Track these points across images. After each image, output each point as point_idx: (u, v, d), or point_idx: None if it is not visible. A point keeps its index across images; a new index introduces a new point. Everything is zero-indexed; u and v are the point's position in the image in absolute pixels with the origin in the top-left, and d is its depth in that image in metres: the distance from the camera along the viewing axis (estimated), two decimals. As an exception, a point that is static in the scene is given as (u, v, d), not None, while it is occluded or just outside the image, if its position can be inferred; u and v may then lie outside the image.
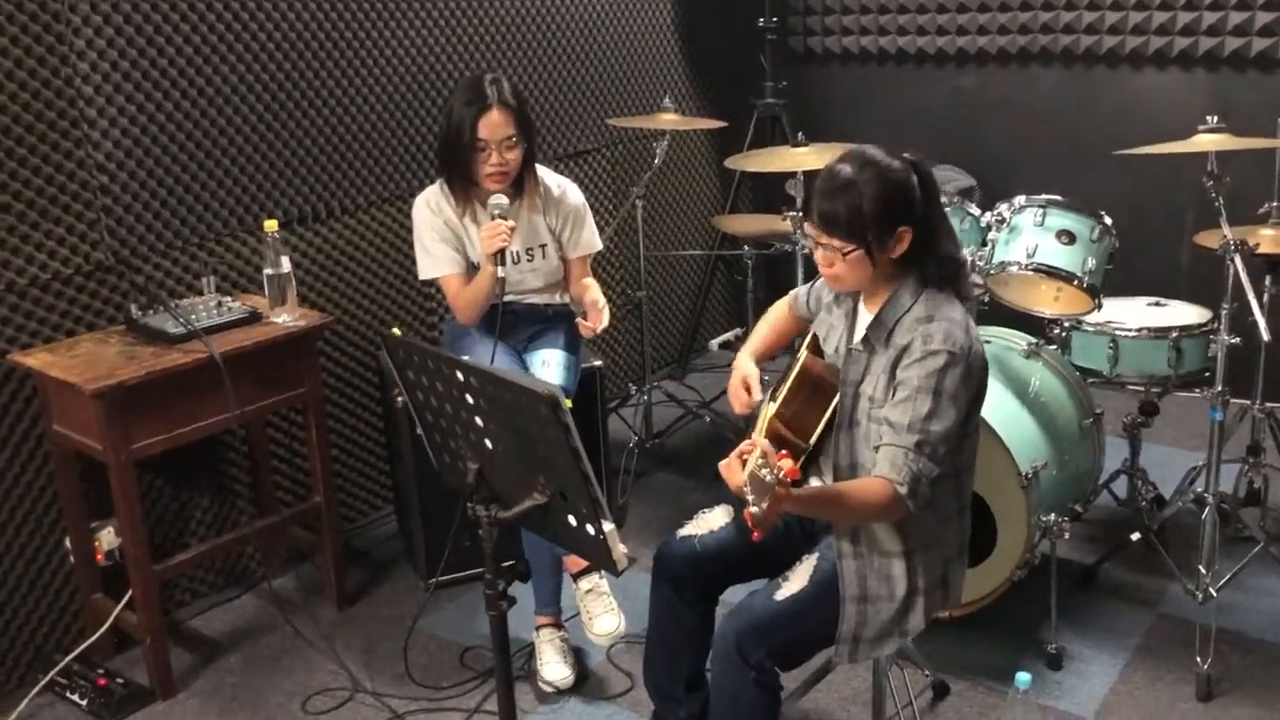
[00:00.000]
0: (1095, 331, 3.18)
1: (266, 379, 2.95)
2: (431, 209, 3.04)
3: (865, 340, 2.18)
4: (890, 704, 2.50)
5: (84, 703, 2.85)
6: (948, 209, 3.06)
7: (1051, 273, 2.97)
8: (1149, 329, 3.13)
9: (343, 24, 3.42)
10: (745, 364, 2.45)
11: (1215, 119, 2.89)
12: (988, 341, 3.21)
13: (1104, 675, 2.85)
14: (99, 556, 2.98)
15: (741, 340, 4.62)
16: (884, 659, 2.35)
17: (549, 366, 3.05)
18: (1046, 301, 3.13)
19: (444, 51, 3.73)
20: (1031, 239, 2.97)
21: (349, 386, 3.61)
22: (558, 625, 2.96)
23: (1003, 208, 3.06)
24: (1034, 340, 3.20)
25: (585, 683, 2.92)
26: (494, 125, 2.88)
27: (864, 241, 2.08)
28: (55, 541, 2.97)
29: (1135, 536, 3.14)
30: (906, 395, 2.07)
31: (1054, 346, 3.26)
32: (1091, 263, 2.95)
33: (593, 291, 3.05)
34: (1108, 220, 3.00)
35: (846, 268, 2.12)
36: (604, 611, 2.90)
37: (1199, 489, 3.02)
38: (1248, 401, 3.31)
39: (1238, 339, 2.81)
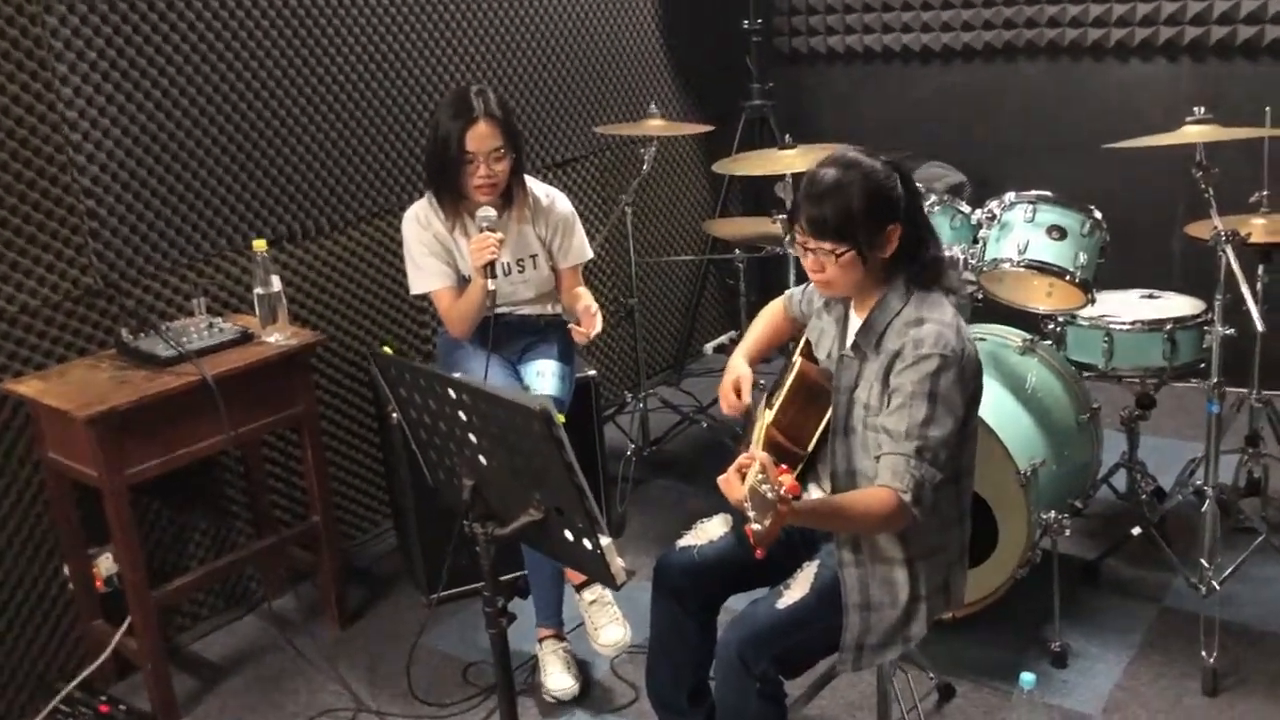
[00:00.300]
0: (1090, 326, 3.17)
1: (260, 399, 2.94)
2: (420, 223, 3.03)
3: (855, 346, 2.17)
4: (896, 708, 2.49)
5: (86, 730, 2.84)
6: (937, 208, 3.09)
7: (1043, 269, 2.96)
8: (1143, 322, 3.13)
9: (325, 40, 3.41)
10: (739, 365, 2.44)
11: (1202, 110, 2.89)
12: (982, 339, 3.20)
13: (1109, 672, 2.84)
14: (98, 583, 2.97)
15: (736, 343, 4.62)
16: (888, 664, 2.34)
17: (543, 377, 3.04)
18: (1040, 297, 3.13)
19: (428, 64, 3.72)
20: (1022, 235, 2.97)
21: (344, 403, 3.59)
22: (560, 637, 2.95)
23: (993, 205, 3.06)
24: (1028, 336, 3.20)
25: (590, 694, 2.91)
26: (481, 137, 2.87)
27: (855, 242, 2.07)
28: (54, 569, 2.96)
29: (1136, 531, 3.13)
30: (901, 402, 2.06)
31: (1049, 342, 3.25)
32: (1083, 257, 2.95)
33: (585, 299, 3.04)
34: (1098, 215, 3.00)
35: (838, 271, 2.11)
36: (609, 622, 2.89)
37: (1199, 481, 3.01)
38: (1245, 390, 3.30)
39: (1232, 330, 2.81)
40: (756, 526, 1.81)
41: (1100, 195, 3.24)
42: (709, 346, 5.15)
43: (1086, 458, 3.19)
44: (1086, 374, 3.23)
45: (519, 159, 2.99)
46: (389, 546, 3.68)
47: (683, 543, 2.39)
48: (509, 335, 3.11)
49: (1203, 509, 2.89)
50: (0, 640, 2.87)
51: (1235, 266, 2.70)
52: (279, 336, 2.99)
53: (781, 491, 1.81)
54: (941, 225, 3.11)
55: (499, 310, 3.00)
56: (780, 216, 3.45)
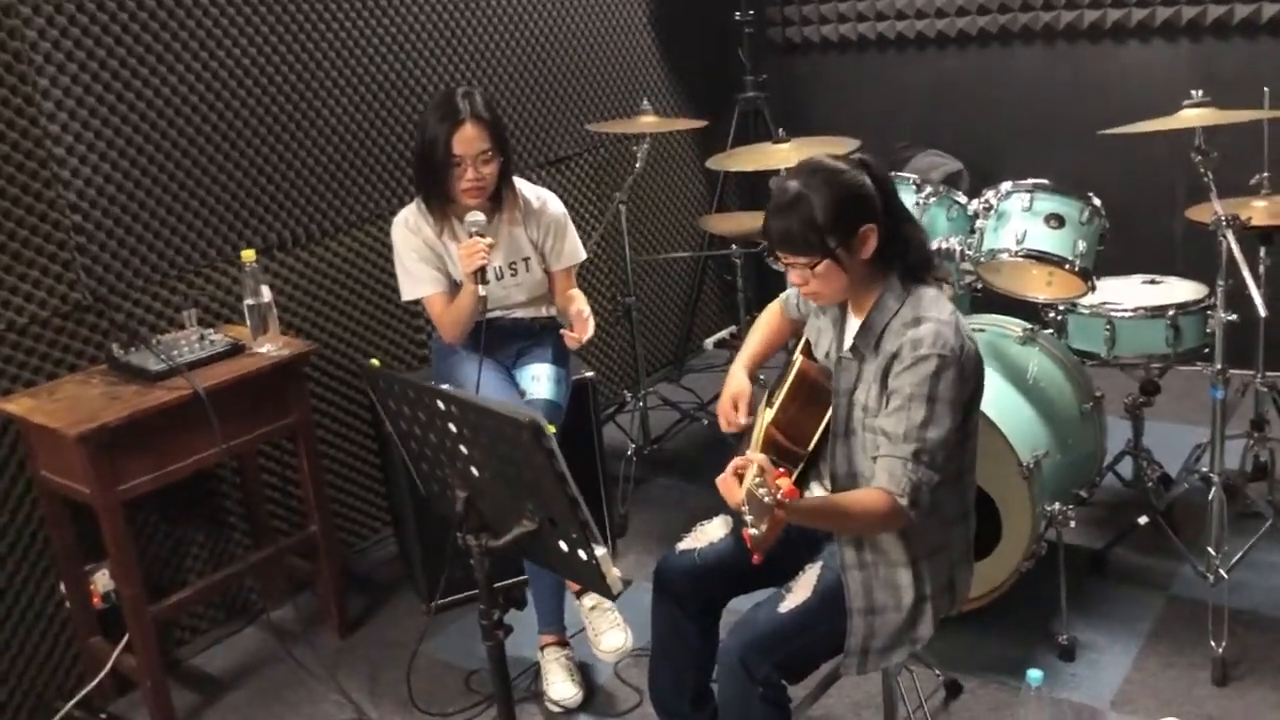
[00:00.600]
0: (1091, 314, 3.13)
1: (253, 411, 2.91)
2: (410, 229, 3.00)
3: (854, 348, 2.14)
4: (902, 707, 2.46)
5: (87, 749, 2.82)
6: (933, 199, 3.05)
7: (1042, 258, 2.92)
8: (1145, 308, 3.09)
9: (310, 43, 3.38)
10: (738, 380, 2.39)
11: (1200, 93, 2.84)
12: (982, 330, 3.16)
13: (1118, 664, 2.81)
14: (95, 599, 2.94)
15: (736, 338, 4.59)
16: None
17: (538, 381, 3.01)
18: (1039, 286, 3.09)
19: (414, 66, 3.68)
20: (1020, 225, 2.93)
21: (340, 410, 3.57)
22: (562, 643, 2.92)
23: (989, 194, 3.01)
24: (1029, 326, 3.16)
25: (593, 699, 2.88)
26: (468, 140, 2.84)
27: (827, 250, 2.04)
28: (50, 586, 2.93)
29: (1142, 520, 3.10)
30: (900, 404, 2.03)
31: (1050, 331, 3.21)
32: (1082, 245, 2.91)
33: (578, 303, 3.01)
34: (1096, 201, 2.96)
35: (820, 282, 2.08)
36: (610, 627, 2.86)
37: (1204, 468, 2.97)
38: (1250, 372, 3.26)
39: (1234, 316, 2.77)
40: (754, 531, 1.79)
41: (1101, 179, 3.19)
42: (709, 342, 5.12)
43: (1091, 447, 3.15)
44: (1089, 362, 3.19)
45: (507, 161, 2.95)
46: (390, 553, 3.66)
47: (683, 546, 2.36)
48: (503, 339, 3.08)
49: (1209, 497, 2.85)
50: (-1, 660, 2.86)
51: (1236, 251, 2.65)
52: (271, 347, 2.96)
53: (779, 496, 1.79)
54: (938, 216, 3.07)
55: (492, 314, 2.97)
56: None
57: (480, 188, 2.89)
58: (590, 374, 3.34)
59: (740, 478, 1.85)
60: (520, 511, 1.90)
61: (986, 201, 3.01)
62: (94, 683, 2.94)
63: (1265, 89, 2.99)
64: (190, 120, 3.10)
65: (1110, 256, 3.07)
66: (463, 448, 1.93)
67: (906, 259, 2.13)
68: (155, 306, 3.10)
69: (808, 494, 2.27)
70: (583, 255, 3.18)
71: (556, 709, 2.83)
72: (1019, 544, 2.82)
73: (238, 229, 3.24)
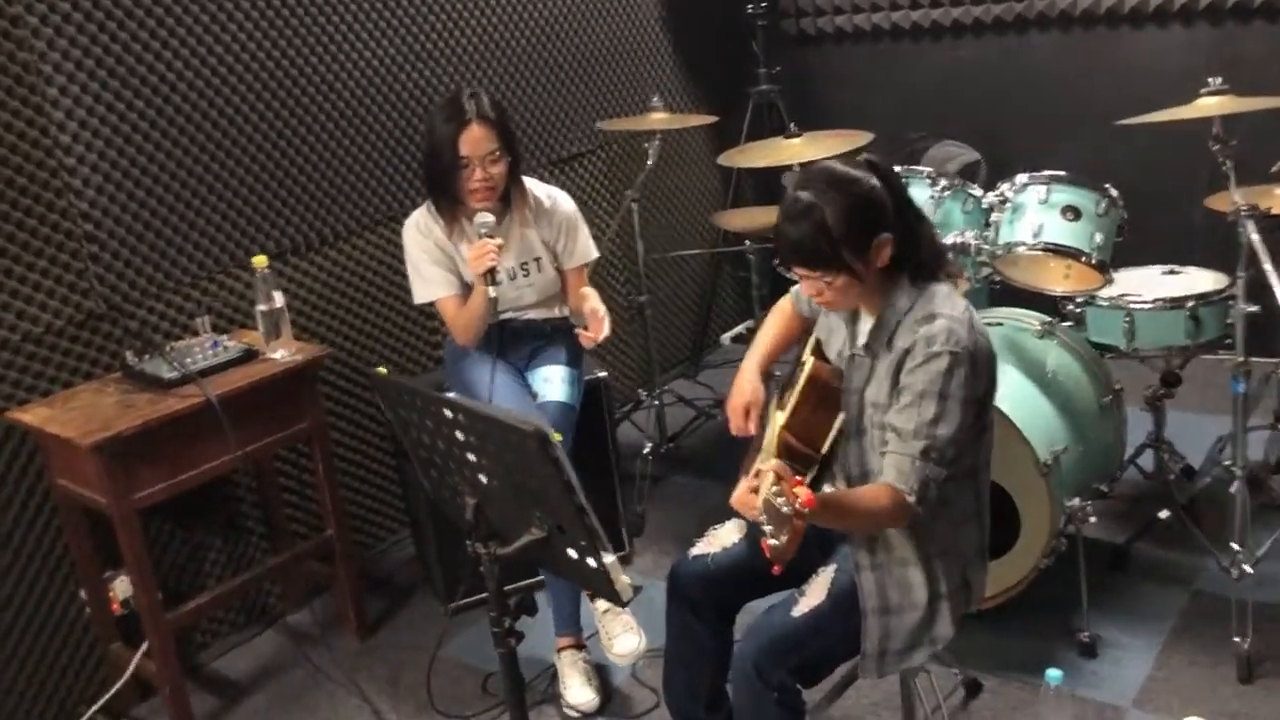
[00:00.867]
0: (1110, 306, 3.09)
1: (267, 416, 2.92)
2: (421, 231, 2.99)
3: (867, 346, 2.11)
4: (920, 707, 2.44)
5: (108, 755, 2.84)
6: (948, 193, 3.01)
7: (1059, 251, 2.88)
8: (1165, 300, 3.04)
9: (319, 47, 3.37)
10: (751, 384, 2.36)
11: (1219, 80, 2.79)
12: (999, 324, 3.13)
13: (1140, 661, 2.77)
14: (114, 606, 2.96)
15: (753, 333, 4.55)
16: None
17: (551, 383, 3.00)
18: (1057, 279, 3.05)
19: (424, 68, 3.67)
20: (1036, 218, 2.89)
21: (355, 413, 3.57)
22: (579, 646, 2.92)
23: (1004, 187, 2.97)
24: (1047, 320, 3.12)
25: (610, 701, 2.87)
26: (475, 141, 2.83)
27: (844, 266, 2.01)
28: (70, 594, 2.95)
29: (1164, 515, 3.06)
30: (911, 400, 2.01)
31: (1068, 324, 3.17)
32: (1099, 237, 2.86)
33: (592, 301, 2.99)
34: (1113, 192, 2.91)
35: (835, 293, 2.06)
36: (623, 631, 2.85)
37: (1227, 460, 2.93)
38: (1273, 361, 3.21)
39: (1256, 307, 2.72)
40: (773, 542, 1.75)
41: (1119, 167, 3.13)
42: (726, 337, 5.10)
43: (1110, 440, 3.12)
44: (1109, 355, 3.15)
45: (516, 161, 2.94)
46: (408, 554, 3.66)
47: (695, 551, 2.35)
48: (516, 341, 3.07)
49: (1231, 491, 2.81)
50: (22, 665, 2.87)
51: (1257, 241, 2.61)
52: (284, 352, 2.96)
53: (797, 505, 1.76)
54: (952, 210, 3.03)
55: (505, 315, 2.97)
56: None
57: (489, 188, 2.88)
58: (603, 374, 3.32)
59: (755, 490, 1.83)
60: (528, 519, 1.89)
61: (1002, 194, 2.97)
62: (115, 688, 2.96)
63: (1286, 74, 2.94)
64: (200, 127, 3.11)
65: (1130, 246, 3.02)
66: (470, 455, 1.93)
67: (919, 259, 2.10)
68: (169, 313, 3.10)
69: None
70: (595, 254, 3.16)
71: (574, 714, 2.82)
72: (1038, 541, 2.79)
73: (250, 234, 3.25)
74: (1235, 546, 2.79)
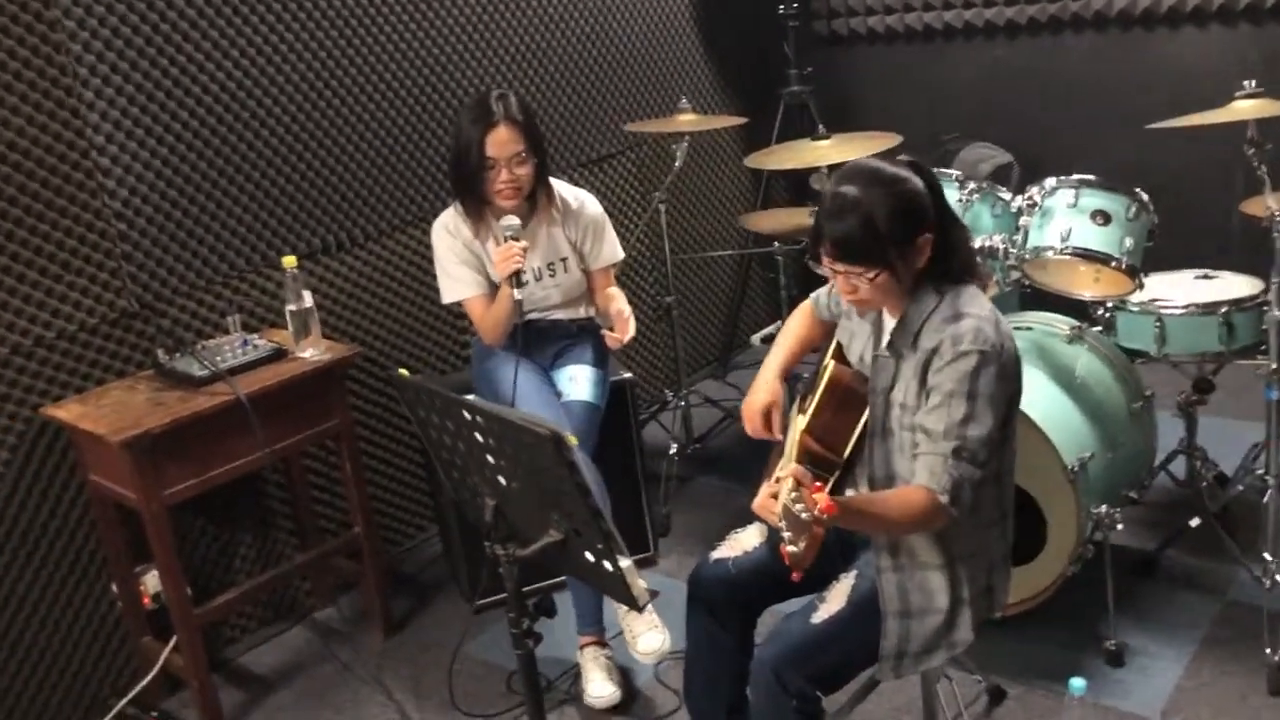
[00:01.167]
0: (1140, 311, 3.05)
1: (295, 415, 2.95)
2: (450, 232, 3.01)
3: (891, 345, 2.10)
4: (942, 714, 2.42)
5: (137, 747, 2.88)
6: (977, 195, 2.99)
7: (1088, 255, 2.85)
8: (1197, 305, 3.00)
9: (351, 49, 3.40)
10: (771, 387, 2.35)
11: (1254, 83, 2.75)
12: (1029, 328, 3.10)
13: (1169, 671, 2.74)
14: (145, 600, 3.00)
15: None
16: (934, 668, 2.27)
17: (576, 383, 3.01)
18: (1086, 284, 3.01)
19: (454, 69, 3.69)
20: (1065, 222, 2.86)
21: (384, 410, 3.59)
22: (602, 644, 2.92)
23: (1034, 190, 2.95)
24: (1077, 324, 3.09)
25: (633, 701, 2.88)
26: (502, 142, 2.84)
27: (887, 262, 2.00)
28: (102, 588, 3.00)
29: (1194, 522, 3.02)
30: (940, 401, 2.00)
31: (1098, 329, 3.14)
32: (1129, 242, 2.83)
33: (618, 302, 3.00)
34: (1144, 197, 2.87)
35: (873, 290, 2.04)
36: (647, 629, 2.85)
37: (1260, 469, 2.89)
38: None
39: (1290, 313, 2.68)
40: (792, 549, 1.75)
41: (1155, 169, 3.09)
42: (756, 337, 5.09)
43: (1140, 447, 3.08)
44: (1139, 360, 3.11)
45: (542, 163, 2.95)
46: (435, 552, 3.69)
47: (717, 555, 2.34)
48: (541, 341, 3.09)
49: (1264, 500, 2.77)
50: (54, 658, 2.92)
51: (1291, 248, 2.57)
52: (313, 351, 2.99)
53: (816, 512, 1.76)
54: (981, 214, 3.01)
55: (531, 315, 2.98)
56: (815, 210, 3.37)
57: (515, 189, 2.89)
58: (628, 375, 3.33)
59: (776, 495, 1.82)
60: (547, 521, 1.90)
61: (1031, 198, 2.94)
62: (145, 681, 3.00)
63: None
64: (232, 128, 3.14)
65: (1165, 249, 2.98)
66: (489, 457, 1.94)
67: (952, 262, 2.09)
68: (200, 312, 3.14)
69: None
70: (621, 255, 3.17)
71: (595, 706, 2.83)
72: (1064, 547, 2.76)
73: (280, 234, 3.28)
74: (1268, 556, 2.76)
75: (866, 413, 2.15)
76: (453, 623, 3.30)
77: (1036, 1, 4.36)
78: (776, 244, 4.17)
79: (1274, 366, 2.72)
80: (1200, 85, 3.42)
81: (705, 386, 4.54)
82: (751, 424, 2.33)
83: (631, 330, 2.90)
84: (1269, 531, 2.76)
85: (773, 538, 2.27)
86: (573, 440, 1.76)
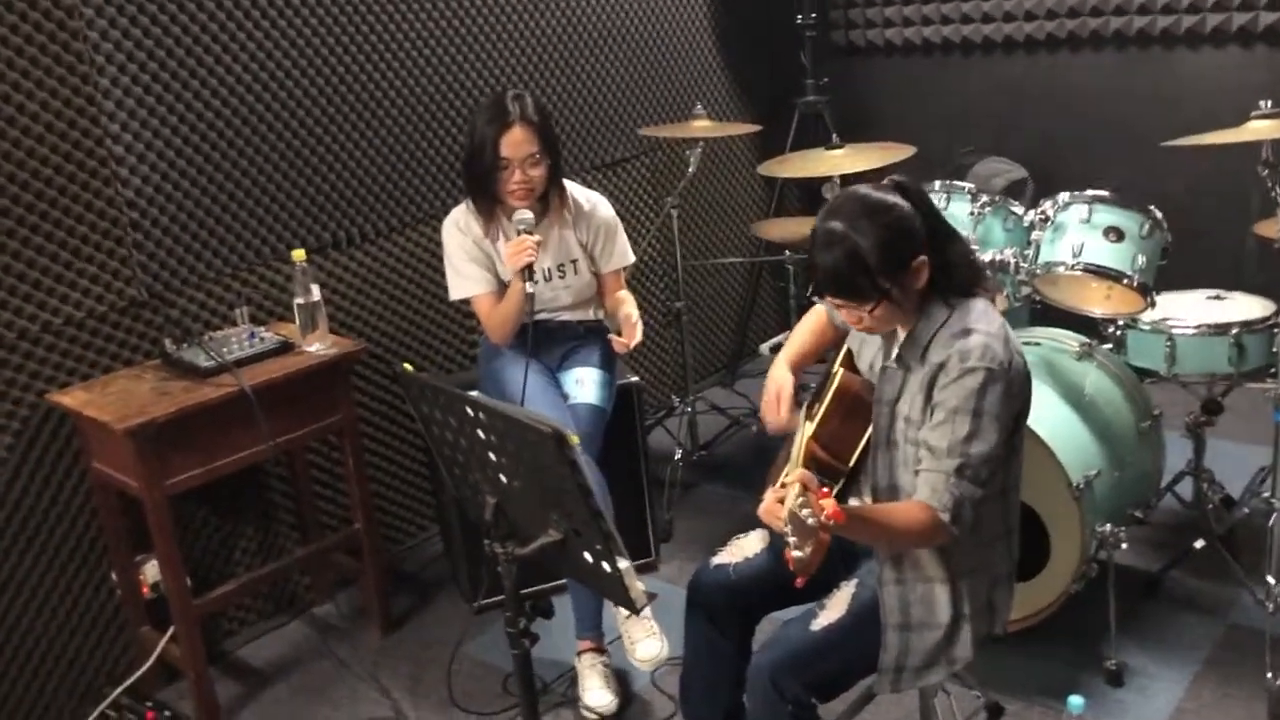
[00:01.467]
0: (1151, 330, 3.04)
1: (300, 409, 2.95)
2: (460, 228, 3.01)
3: (900, 358, 2.09)
4: (940, 729, 2.41)
5: (132, 736, 2.88)
6: (989, 209, 2.98)
7: (1100, 272, 2.83)
8: (1208, 325, 2.98)
9: (366, 46, 3.41)
10: (781, 375, 2.35)
11: (1270, 104, 2.74)
12: (1038, 344, 3.09)
13: (1169, 692, 2.72)
14: (144, 590, 3.00)
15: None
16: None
17: (583, 385, 3.00)
18: (1098, 300, 3.00)
19: (469, 69, 3.69)
20: (1077, 237, 2.84)
21: (390, 408, 3.59)
22: (599, 649, 2.91)
23: (1046, 205, 2.94)
24: (1086, 341, 3.08)
25: (629, 707, 2.87)
26: (516, 142, 2.84)
27: (883, 294, 1.99)
28: (102, 576, 3.00)
29: (1199, 544, 2.99)
30: (944, 417, 1.98)
31: (1108, 346, 3.12)
32: (1141, 260, 2.81)
33: (627, 306, 2.99)
34: (1158, 214, 2.86)
35: (875, 320, 2.03)
36: (645, 636, 2.84)
37: (1267, 492, 2.87)
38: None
39: (1301, 335, 2.66)
40: (797, 554, 1.73)
41: (1172, 190, 3.07)
42: (765, 347, 5.07)
43: (1147, 467, 3.07)
44: (1149, 379, 3.10)
45: (556, 164, 2.95)
46: (437, 551, 3.68)
47: (717, 560, 2.33)
48: (549, 341, 3.08)
49: (1269, 523, 2.75)
50: (51, 644, 2.92)
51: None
52: (319, 346, 2.99)
53: (823, 518, 1.74)
54: (993, 227, 3.00)
55: (539, 316, 2.97)
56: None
57: (527, 189, 2.89)
58: (635, 379, 3.32)
59: (782, 500, 1.81)
60: (546, 521, 1.89)
61: (1044, 213, 2.93)
62: (141, 670, 3.00)
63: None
64: (246, 121, 3.15)
65: (1180, 270, 2.97)
66: (491, 454, 1.93)
67: (953, 276, 2.08)
68: (209, 303, 3.15)
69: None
70: (632, 259, 3.17)
71: (591, 715, 2.82)
72: (1068, 565, 2.74)
73: (291, 228, 3.29)
74: (1271, 580, 2.74)
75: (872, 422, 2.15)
76: (452, 622, 3.29)
77: (1056, 18, 4.35)
78: (787, 253, 4.16)
79: (1283, 388, 2.70)
80: (1217, 106, 3.40)
81: (713, 394, 4.53)
82: (769, 414, 2.33)
83: (639, 336, 2.89)
84: (1273, 555, 2.74)
85: (775, 544, 2.27)
86: (574, 439, 1.75)
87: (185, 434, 2.72)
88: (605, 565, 1.84)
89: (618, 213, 3.15)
